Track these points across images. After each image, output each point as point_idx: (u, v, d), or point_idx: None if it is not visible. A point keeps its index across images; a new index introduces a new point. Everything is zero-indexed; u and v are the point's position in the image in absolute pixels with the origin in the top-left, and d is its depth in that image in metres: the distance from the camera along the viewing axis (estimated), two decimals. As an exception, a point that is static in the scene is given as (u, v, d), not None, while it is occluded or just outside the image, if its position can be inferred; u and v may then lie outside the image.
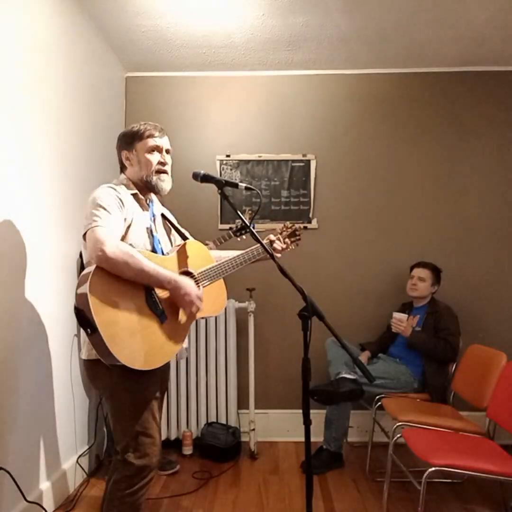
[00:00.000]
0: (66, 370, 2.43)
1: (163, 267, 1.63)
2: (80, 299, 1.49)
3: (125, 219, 1.67)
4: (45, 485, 2.22)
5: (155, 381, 1.69)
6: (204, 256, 1.90)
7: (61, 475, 2.38)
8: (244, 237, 2.63)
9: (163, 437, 3.04)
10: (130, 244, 1.64)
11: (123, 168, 1.84)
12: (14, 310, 1.99)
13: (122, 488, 1.62)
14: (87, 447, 2.69)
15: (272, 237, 2.06)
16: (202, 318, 1.86)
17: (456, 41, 2.97)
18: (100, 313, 1.48)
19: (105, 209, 1.61)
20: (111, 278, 1.54)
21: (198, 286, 1.78)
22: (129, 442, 1.63)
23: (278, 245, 2.02)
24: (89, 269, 1.53)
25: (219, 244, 2.79)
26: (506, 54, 3.14)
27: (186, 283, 1.65)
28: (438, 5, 2.58)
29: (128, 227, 1.68)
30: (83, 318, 1.49)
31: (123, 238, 1.65)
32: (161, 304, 1.64)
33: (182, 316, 1.71)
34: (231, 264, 1.90)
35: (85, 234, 1.59)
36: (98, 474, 2.69)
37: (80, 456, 2.57)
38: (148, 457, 1.63)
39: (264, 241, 1.98)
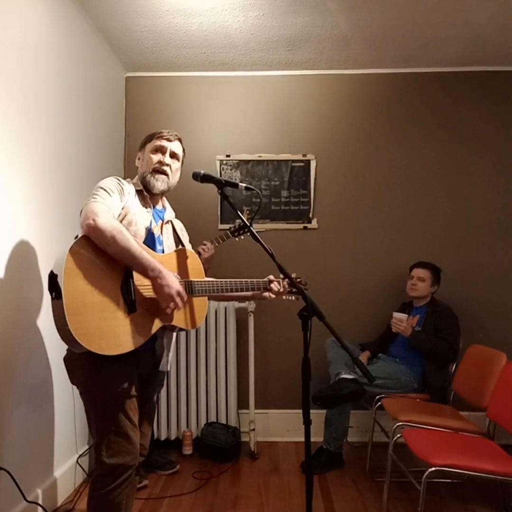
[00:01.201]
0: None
1: None
2: (57, 263, 1.49)
3: (123, 207, 1.68)
4: (45, 485, 2.22)
5: (128, 378, 1.64)
6: (196, 269, 1.86)
7: (61, 475, 2.38)
8: (242, 237, 2.64)
9: (163, 437, 3.05)
10: None
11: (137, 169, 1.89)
12: (13, 310, 1.99)
13: (98, 487, 1.60)
14: (87, 447, 2.69)
15: (272, 277, 1.99)
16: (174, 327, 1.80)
17: (456, 41, 2.98)
18: (70, 278, 1.46)
19: (105, 191, 1.64)
20: (94, 251, 1.53)
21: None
22: (100, 440, 1.59)
23: (275, 286, 1.95)
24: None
25: (216, 244, 2.78)
26: (506, 54, 3.14)
27: (171, 276, 1.62)
28: (438, 5, 2.58)
29: (124, 216, 1.69)
30: (54, 282, 1.46)
31: None
32: (135, 294, 1.60)
33: (152, 315, 1.65)
34: (219, 285, 1.84)
35: (81, 211, 1.59)
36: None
37: (80, 456, 2.57)
38: (120, 455, 1.58)
39: (264, 279, 1.96)
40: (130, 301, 1.58)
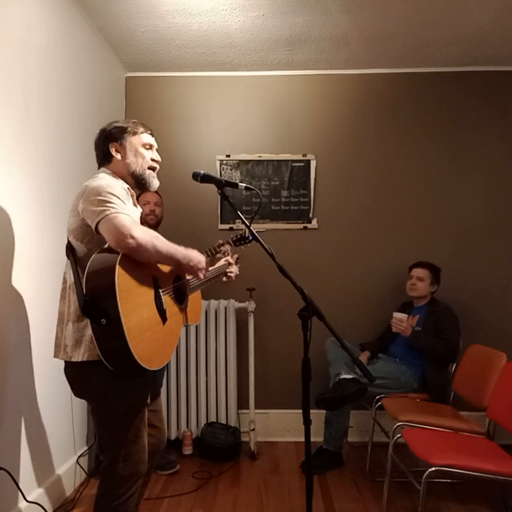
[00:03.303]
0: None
1: None
2: (97, 286, 1.40)
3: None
4: (45, 485, 2.22)
5: (147, 386, 1.63)
6: None
7: (61, 475, 2.38)
8: (242, 247, 2.54)
9: (163, 437, 3.05)
10: None
11: (104, 162, 1.72)
12: (8, 309, 1.99)
13: (112, 499, 1.54)
14: (87, 447, 2.69)
15: (230, 260, 2.27)
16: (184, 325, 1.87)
17: (456, 41, 2.97)
18: (125, 301, 1.39)
19: (118, 197, 1.53)
20: (134, 269, 1.48)
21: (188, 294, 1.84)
22: (119, 451, 1.54)
23: (235, 269, 2.23)
24: (109, 256, 1.44)
25: (209, 255, 2.73)
26: (506, 54, 3.14)
27: (196, 253, 1.68)
28: (438, 5, 2.58)
29: None
30: (97, 307, 1.38)
31: None
32: (164, 304, 1.63)
33: (177, 320, 1.71)
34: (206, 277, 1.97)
35: (98, 222, 1.45)
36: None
37: (80, 456, 2.57)
38: (136, 464, 1.57)
39: (223, 262, 2.21)
40: (163, 311, 1.60)
